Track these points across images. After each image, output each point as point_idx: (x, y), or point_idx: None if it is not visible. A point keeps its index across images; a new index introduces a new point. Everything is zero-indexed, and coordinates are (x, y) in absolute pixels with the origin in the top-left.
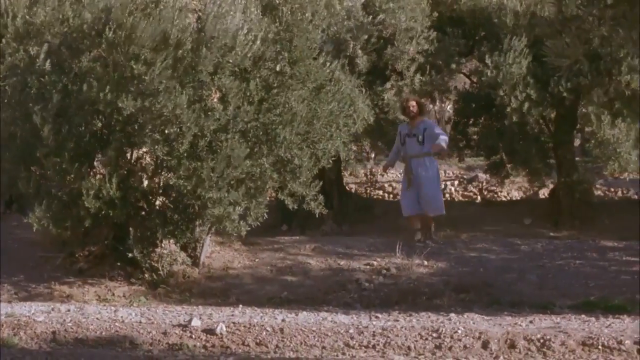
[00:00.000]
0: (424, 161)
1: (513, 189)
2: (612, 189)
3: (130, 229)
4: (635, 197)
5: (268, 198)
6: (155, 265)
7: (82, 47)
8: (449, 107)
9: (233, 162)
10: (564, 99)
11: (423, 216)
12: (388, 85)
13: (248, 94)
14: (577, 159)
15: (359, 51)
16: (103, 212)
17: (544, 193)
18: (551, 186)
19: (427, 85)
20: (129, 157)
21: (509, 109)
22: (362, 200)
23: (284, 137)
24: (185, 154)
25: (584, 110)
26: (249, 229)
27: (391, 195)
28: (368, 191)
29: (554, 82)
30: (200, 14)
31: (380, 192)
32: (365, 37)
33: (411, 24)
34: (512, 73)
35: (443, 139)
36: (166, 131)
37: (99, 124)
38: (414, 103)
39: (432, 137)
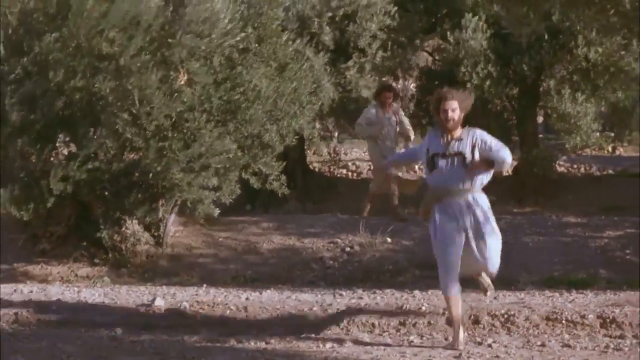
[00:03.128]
0: (472, 201)
1: None
2: (575, 166)
3: (94, 209)
4: (598, 173)
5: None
6: (119, 245)
7: (44, 29)
8: (412, 84)
9: (201, 142)
10: (525, 76)
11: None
12: (350, 62)
13: (212, 71)
14: (540, 135)
15: (326, 27)
16: (67, 193)
17: (508, 170)
18: (514, 163)
19: (390, 62)
20: (92, 137)
21: (470, 85)
22: (325, 178)
23: (250, 115)
24: (150, 135)
25: (545, 85)
26: (219, 211)
27: (354, 174)
28: (331, 170)
29: (516, 60)
30: None
31: (344, 171)
32: (330, 14)
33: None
34: (472, 49)
35: (507, 154)
36: (133, 111)
37: (61, 105)
38: (454, 104)
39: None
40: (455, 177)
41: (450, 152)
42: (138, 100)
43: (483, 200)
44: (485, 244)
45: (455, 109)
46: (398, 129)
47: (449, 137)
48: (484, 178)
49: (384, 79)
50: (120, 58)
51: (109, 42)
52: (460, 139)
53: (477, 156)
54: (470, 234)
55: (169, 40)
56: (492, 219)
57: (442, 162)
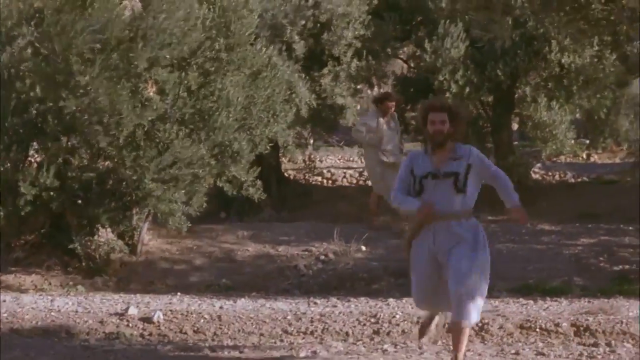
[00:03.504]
0: (457, 227)
1: None
2: (550, 173)
3: (68, 217)
4: (572, 180)
5: (207, 185)
6: (93, 253)
7: (13, 35)
8: None
9: (176, 154)
10: (501, 82)
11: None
12: (325, 70)
13: (186, 82)
14: (515, 143)
15: (296, 36)
16: (40, 201)
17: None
18: None
19: (364, 71)
20: (64, 145)
21: (448, 94)
22: (300, 186)
23: (221, 122)
24: (123, 144)
25: (520, 92)
26: (189, 225)
27: (330, 182)
28: (306, 177)
29: (490, 66)
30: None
31: (319, 178)
32: (303, 22)
33: (347, 8)
34: (451, 57)
35: (511, 188)
36: (104, 121)
37: (34, 112)
38: (443, 116)
39: (480, 179)
40: (445, 201)
41: (443, 172)
42: (109, 112)
43: (473, 226)
44: (460, 270)
45: (444, 122)
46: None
47: (441, 154)
48: (474, 199)
49: (359, 86)
50: (89, 76)
51: (81, 60)
52: (456, 158)
53: (470, 178)
54: (445, 260)
55: (130, 54)
56: (482, 251)
57: (431, 184)
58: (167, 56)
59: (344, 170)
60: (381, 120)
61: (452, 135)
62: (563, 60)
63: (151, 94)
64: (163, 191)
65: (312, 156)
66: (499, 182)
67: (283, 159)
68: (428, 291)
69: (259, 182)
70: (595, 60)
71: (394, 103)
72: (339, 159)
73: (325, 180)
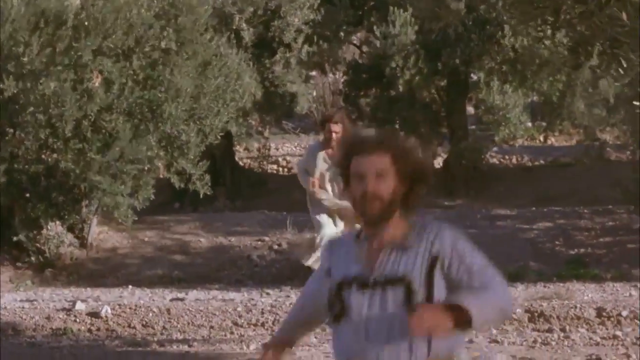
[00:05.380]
0: None
1: None
2: (507, 156)
3: (15, 211)
4: (529, 163)
5: (161, 176)
6: (42, 247)
7: None
8: (342, 79)
9: (120, 145)
10: (456, 69)
11: None
12: (277, 57)
13: (132, 72)
14: (472, 127)
15: (244, 24)
16: None
17: (438, 162)
18: (445, 155)
19: (316, 56)
20: (11, 139)
21: (401, 81)
22: (255, 175)
23: (169, 113)
24: (69, 135)
25: (475, 77)
26: (135, 218)
27: (285, 170)
28: (261, 165)
29: (446, 53)
30: None
31: (275, 167)
32: (252, 9)
33: None
34: (401, 44)
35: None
36: (50, 111)
37: None
38: (382, 162)
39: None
40: (392, 338)
41: (379, 277)
42: (50, 101)
43: None
44: None
45: (384, 173)
46: None
47: (378, 238)
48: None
49: (312, 72)
50: (28, 57)
51: (17, 42)
52: (404, 247)
53: (439, 288)
54: None
55: (74, 44)
56: None
57: (357, 302)
58: (112, 45)
59: (300, 158)
60: (320, 156)
61: (404, 201)
62: (517, 46)
63: (97, 84)
64: (109, 184)
65: (267, 144)
66: (481, 289)
67: (238, 147)
68: None
69: (207, 177)
70: (539, 42)
71: (339, 125)
72: (295, 147)
73: (280, 169)
